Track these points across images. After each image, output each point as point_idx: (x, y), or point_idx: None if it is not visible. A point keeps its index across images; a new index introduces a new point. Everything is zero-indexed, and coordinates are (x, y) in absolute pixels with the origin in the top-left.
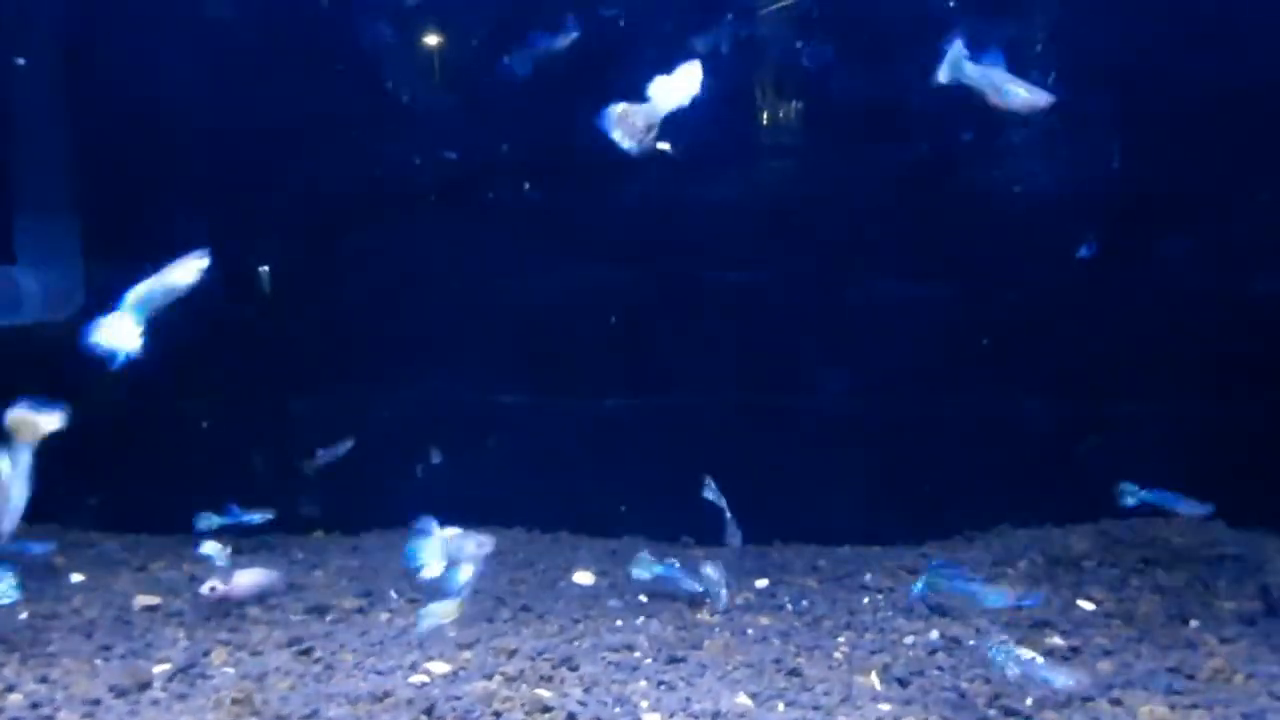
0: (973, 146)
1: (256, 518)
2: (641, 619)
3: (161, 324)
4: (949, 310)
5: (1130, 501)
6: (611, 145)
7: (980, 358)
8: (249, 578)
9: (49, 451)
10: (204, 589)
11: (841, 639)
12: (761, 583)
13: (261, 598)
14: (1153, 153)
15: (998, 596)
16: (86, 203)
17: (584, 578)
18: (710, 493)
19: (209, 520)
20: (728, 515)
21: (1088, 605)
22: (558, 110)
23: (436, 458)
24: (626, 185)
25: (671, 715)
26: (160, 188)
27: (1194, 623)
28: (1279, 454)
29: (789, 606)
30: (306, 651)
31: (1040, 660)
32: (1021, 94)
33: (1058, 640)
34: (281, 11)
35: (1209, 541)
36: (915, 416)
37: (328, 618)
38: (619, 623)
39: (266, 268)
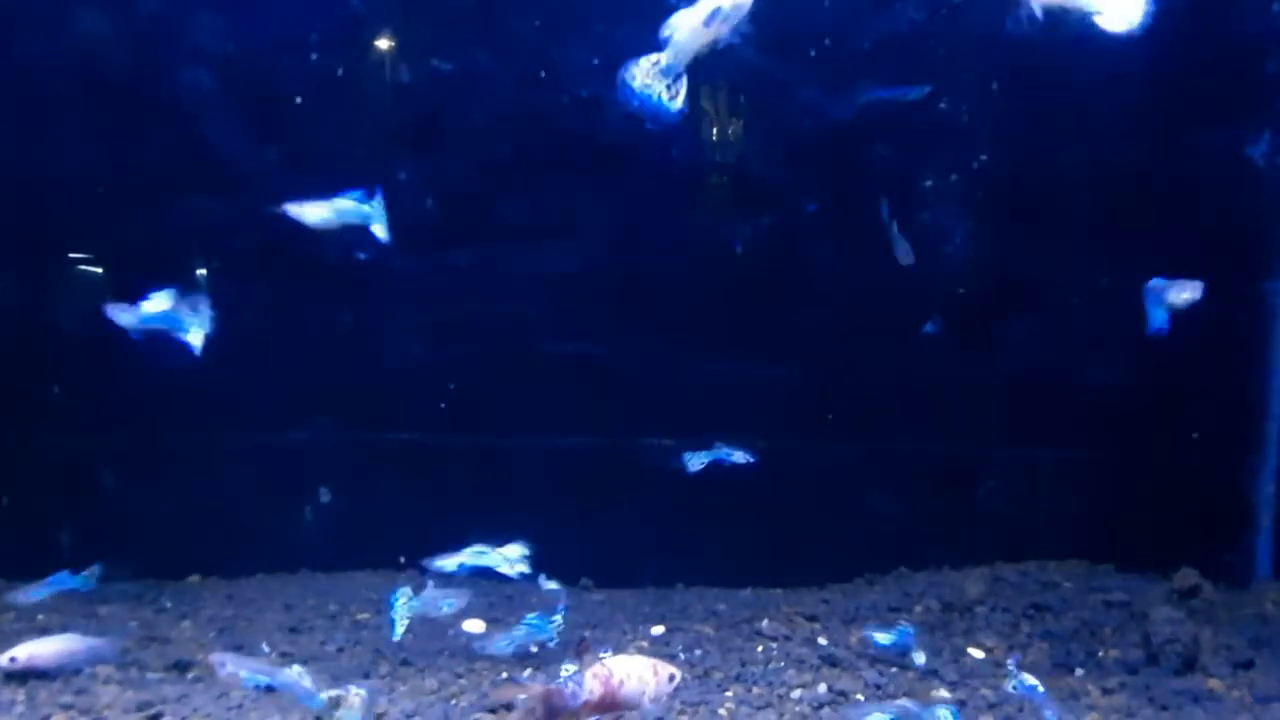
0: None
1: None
2: (528, 672)
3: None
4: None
5: None
6: None
7: (876, 404)
8: (54, 646)
9: None
10: (3, 659)
11: (730, 693)
12: (658, 629)
13: (104, 660)
14: None
15: None
16: None
17: (475, 626)
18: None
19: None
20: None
21: (978, 653)
22: None
23: (325, 497)
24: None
25: None
26: None
27: (1079, 671)
28: (1162, 499)
29: (681, 656)
30: (155, 718)
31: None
32: None
33: (944, 693)
34: None
35: (1098, 586)
36: (815, 460)
37: (188, 676)
38: (504, 676)
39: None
